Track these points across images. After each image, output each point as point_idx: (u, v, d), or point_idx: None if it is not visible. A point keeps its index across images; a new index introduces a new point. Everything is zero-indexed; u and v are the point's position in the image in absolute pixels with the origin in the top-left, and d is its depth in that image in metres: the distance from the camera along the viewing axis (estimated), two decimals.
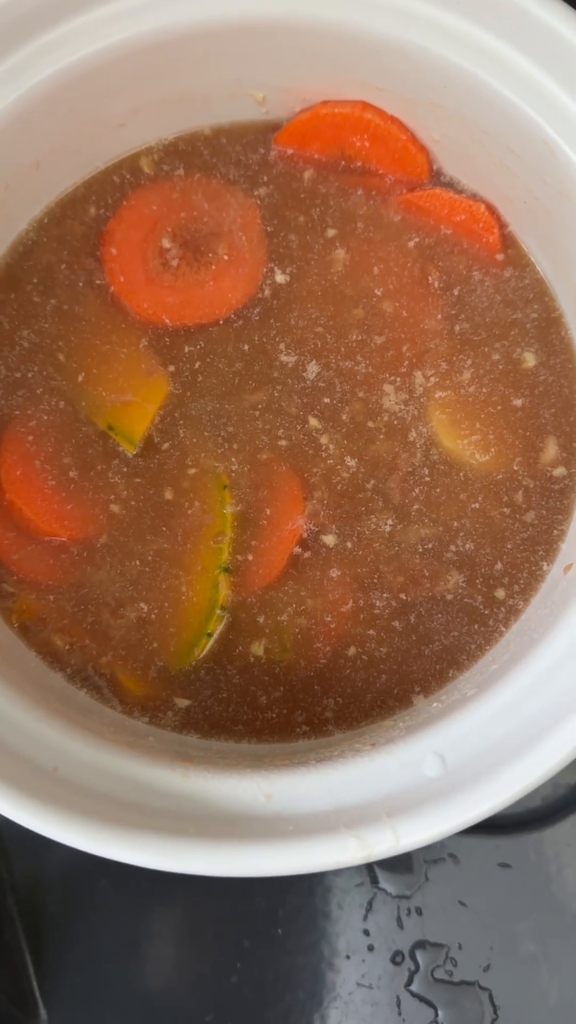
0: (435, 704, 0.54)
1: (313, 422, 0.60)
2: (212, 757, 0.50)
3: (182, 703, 0.56)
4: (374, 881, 0.68)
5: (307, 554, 0.58)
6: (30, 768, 0.45)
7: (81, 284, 0.62)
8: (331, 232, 0.62)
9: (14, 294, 0.62)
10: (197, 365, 0.61)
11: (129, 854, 0.42)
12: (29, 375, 0.60)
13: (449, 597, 0.57)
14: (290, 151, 0.63)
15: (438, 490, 0.59)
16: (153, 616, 0.57)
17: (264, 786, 0.45)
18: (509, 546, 0.58)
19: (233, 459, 0.59)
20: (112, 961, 0.67)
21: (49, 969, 0.67)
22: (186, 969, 0.68)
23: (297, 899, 0.68)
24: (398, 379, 0.60)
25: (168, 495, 0.59)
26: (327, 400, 0.60)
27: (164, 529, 0.58)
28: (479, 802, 0.42)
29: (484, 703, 0.47)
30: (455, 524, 0.58)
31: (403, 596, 0.57)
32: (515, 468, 0.59)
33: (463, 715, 0.47)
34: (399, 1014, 0.66)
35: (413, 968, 0.67)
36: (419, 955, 0.67)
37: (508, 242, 0.62)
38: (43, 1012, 0.67)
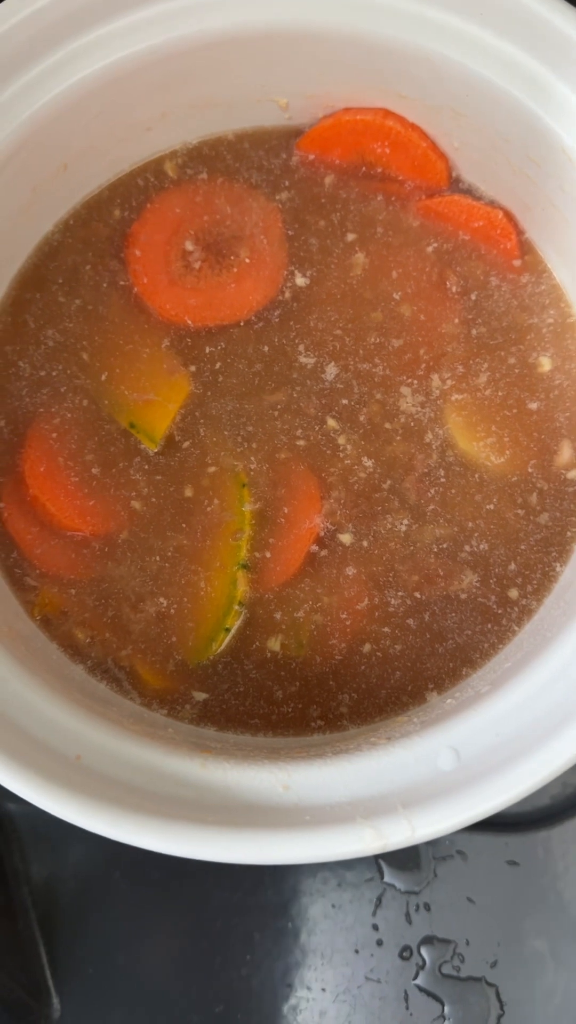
0: (449, 701, 0.54)
1: (331, 423, 0.61)
2: (229, 748, 0.51)
3: (200, 696, 0.57)
4: (383, 877, 0.69)
5: (324, 552, 0.59)
6: (54, 756, 0.46)
7: (105, 285, 0.63)
8: (351, 236, 0.63)
9: (40, 294, 0.63)
10: (218, 365, 0.62)
11: (151, 841, 0.43)
12: (53, 373, 0.62)
13: (463, 596, 0.58)
14: (312, 156, 0.65)
15: (453, 491, 0.60)
16: (172, 611, 0.58)
17: (282, 777, 0.46)
18: (523, 547, 0.59)
19: (252, 458, 0.60)
20: (124, 952, 0.68)
21: (62, 959, 0.68)
22: (196, 961, 0.68)
23: (307, 893, 0.68)
24: (415, 381, 0.61)
25: (188, 492, 0.60)
26: (345, 401, 0.61)
27: (184, 526, 0.59)
28: (493, 795, 0.43)
29: (498, 700, 0.48)
30: (470, 525, 0.59)
31: (418, 595, 0.58)
32: (530, 470, 0.60)
33: (477, 711, 0.48)
34: (407, 1008, 0.67)
35: (421, 963, 0.67)
36: (427, 950, 0.68)
37: (525, 248, 0.63)
38: (56, 1001, 0.67)
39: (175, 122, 0.63)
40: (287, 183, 0.64)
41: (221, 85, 0.62)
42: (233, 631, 0.58)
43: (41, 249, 0.64)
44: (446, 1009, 0.67)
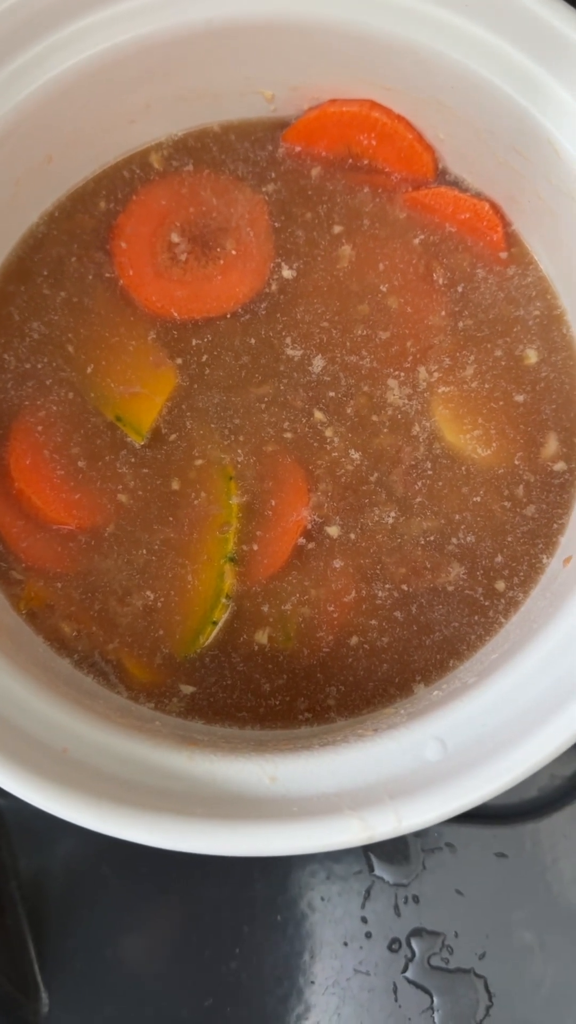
0: (436, 692, 0.55)
1: (318, 415, 0.61)
2: (217, 741, 0.51)
3: (187, 690, 0.57)
4: (372, 869, 0.69)
5: (311, 545, 0.59)
6: (40, 749, 0.46)
7: (91, 277, 0.63)
8: (337, 229, 0.63)
9: (24, 286, 0.62)
10: (204, 358, 0.61)
11: (138, 834, 0.42)
12: (39, 366, 0.61)
13: (450, 588, 0.58)
14: (298, 148, 0.64)
15: (440, 483, 0.60)
16: (159, 604, 0.58)
17: (269, 769, 0.46)
18: (509, 539, 0.59)
19: (239, 451, 0.60)
20: (112, 946, 0.68)
21: (50, 954, 0.68)
22: (185, 955, 0.68)
23: (296, 886, 0.68)
24: (402, 374, 0.61)
25: (175, 485, 0.60)
26: (332, 394, 0.61)
27: (171, 519, 0.59)
28: (479, 785, 0.43)
29: (484, 691, 0.48)
30: (457, 517, 0.59)
31: (405, 587, 0.58)
32: (516, 463, 0.60)
33: (464, 702, 0.48)
34: (395, 1000, 0.67)
35: (410, 955, 0.68)
36: (416, 943, 0.68)
37: (512, 240, 0.63)
38: (44, 996, 0.67)
39: (160, 114, 0.63)
40: (273, 175, 0.64)
41: (206, 77, 0.62)
42: (220, 624, 0.58)
43: (26, 241, 0.63)
44: (435, 1001, 0.67)
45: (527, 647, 0.49)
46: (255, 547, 0.59)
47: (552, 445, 0.60)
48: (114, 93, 0.60)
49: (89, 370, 0.61)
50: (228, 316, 0.62)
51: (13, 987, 0.66)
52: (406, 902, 0.68)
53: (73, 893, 0.69)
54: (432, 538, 0.59)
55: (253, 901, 0.69)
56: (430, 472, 0.60)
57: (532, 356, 0.61)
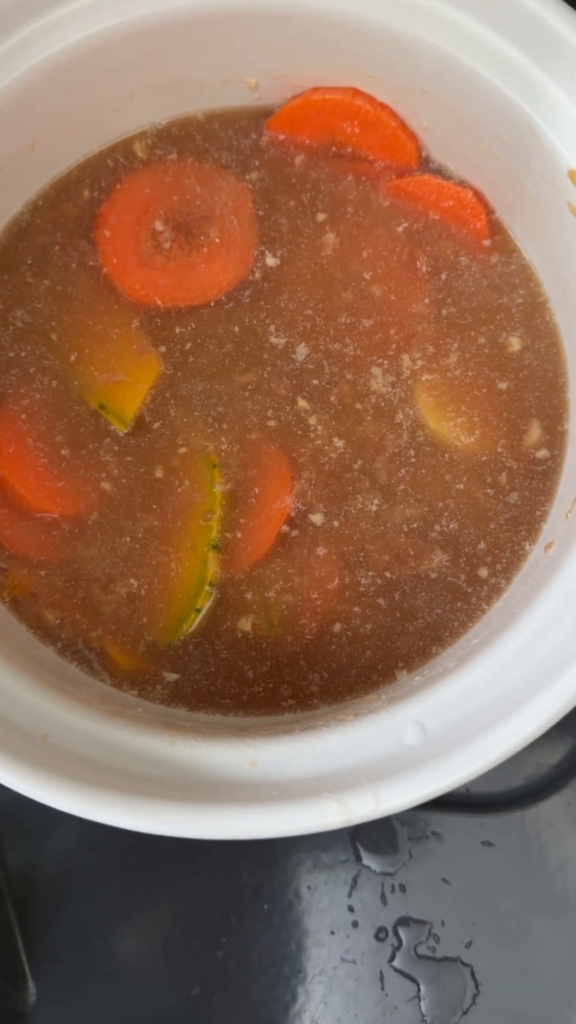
0: (418, 678, 0.55)
1: (302, 403, 0.61)
2: (199, 727, 0.51)
3: (171, 677, 0.57)
4: (359, 858, 0.69)
5: (295, 532, 0.59)
6: (20, 734, 0.46)
7: (74, 265, 0.63)
8: (321, 216, 0.63)
9: (8, 275, 0.62)
10: (188, 346, 0.61)
11: (116, 817, 0.43)
12: (22, 354, 0.61)
13: (433, 576, 0.58)
14: (281, 137, 0.64)
15: (424, 471, 0.60)
16: (143, 592, 0.58)
17: (249, 753, 0.46)
18: (492, 526, 0.59)
19: (223, 439, 0.60)
20: (100, 936, 0.68)
21: (38, 944, 0.68)
22: (172, 944, 0.68)
23: (283, 875, 0.69)
24: (386, 362, 0.61)
25: (159, 473, 0.60)
26: (316, 382, 0.61)
27: (154, 507, 0.59)
28: (458, 768, 0.43)
29: (464, 675, 0.48)
30: (440, 504, 0.59)
31: (388, 574, 0.58)
32: (499, 450, 0.60)
33: (444, 687, 0.48)
34: (382, 989, 0.67)
35: (396, 944, 0.68)
36: (402, 931, 0.68)
37: (495, 228, 0.63)
38: (32, 986, 0.67)
39: (144, 102, 0.63)
40: (257, 163, 0.64)
41: (189, 65, 0.61)
42: (204, 612, 0.58)
43: (9, 230, 0.63)
44: (422, 989, 0.67)
45: (508, 632, 0.50)
46: (239, 535, 0.59)
47: (535, 432, 0.60)
48: (98, 81, 0.60)
49: (73, 358, 0.61)
50: (212, 304, 0.62)
51: (1, 977, 0.66)
52: (393, 891, 0.68)
53: (61, 884, 0.69)
54: (415, 525, 0.59)
55: (240, 891, 0.69)
56: (413, 460, 0.60)
57: (515, 344, 0.61)
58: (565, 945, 0.67)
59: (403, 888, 0.68)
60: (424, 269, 0.62)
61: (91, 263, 0.63)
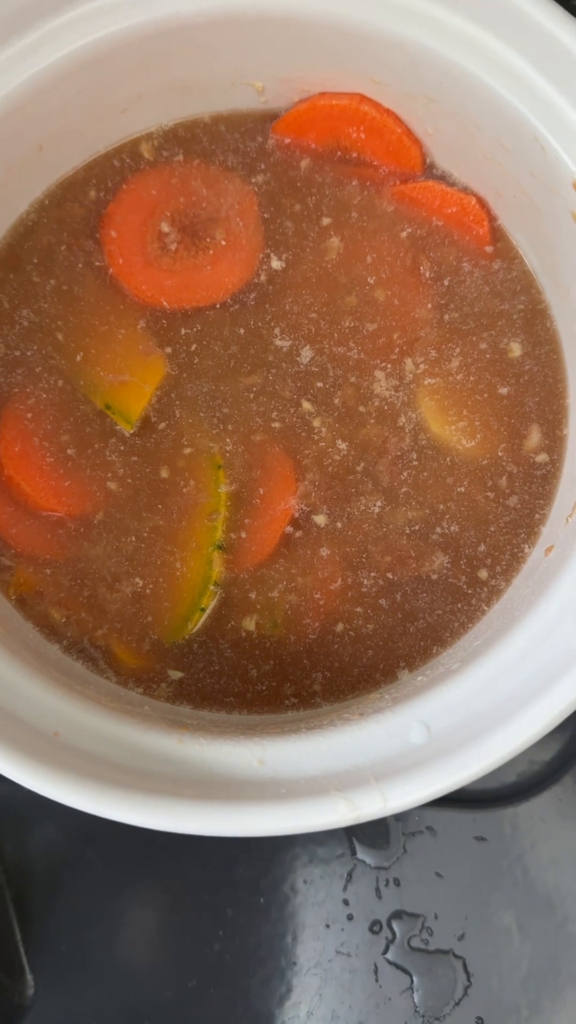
0: (420, 678, 0.56)
1: (306, 405, 0.61)
2: (206, 725, 0.52)
3: (175, 675, 0.58)
4: (354, 853, 0.70)
5: (298, 533, 0.60)
6: (32, 732, 0.47)
7: (80, 265, 0.63)
8: (326, 220, 0.64)
9: (14, 274, 0.63)
10: (194, 347, 0.62)
11: (128, 815, 0.43)
12: (28, 354, 0.61)
13: (434, 577, 0.59)
14: (287, 140, 0.65)
15: (425, 474, 0.61)
16: (148, 591, 0.59)
17: (257, 752, 0.47)
18: (492, 529, 0.60)
19: (228, 440, 0.61)
20: (97, 928, 0.68)
21: (36, 936, 0.68)
22: (169, 937, 0.69)
23: (279, 869, 0.69)
24: (389, 365, 0.62)
25: (164, 474, 0.60)
26: (320, 384, 0.62)
27: (160, 507, 0.60)
28: (463, 767, 0.44)
29: (468, 676, 0.49)
30: (441, 507, 0.60)
31: (390, 575, 0.59)
32: (500, 454, 0.61)
33: (448, 687, 0.49)
34: (376, 981, 0.68)
35: (390, 937, 0.69)
36: (396, 924, 0.69)
37: (497, 235, 0.64)
38: (30, 978, 0.68)
39: (151, 104, 0.63)
40: (263, 166, 0.64)
41: (197, 68, 0.62)
42: (208, 611, 0.59)
43: (16, 229, 0.63)
44: (415, 981, 0.68)
45: (509, 634, 0.51)
46: (243, 535, 0.59)
47: (535, 437, 0.61)
48: (105, 83, 0.60)
49: (79, 358, 0.61)
50: (217, 306, 0.62)
51: None
52: (387, 885, 0.69)
53: (58, 877, 0.69)
54: (417, 527, 0.60)
55: (236, 884, 0.69)
56: (415, 463, 0.61)
57: (516, 349, 0.62)
58: (555, 938, 0.68)
59: (397, 882, 0.69)
60: (427, 274, 0.63)
61: (97, 263, 0.63)
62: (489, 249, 0.64)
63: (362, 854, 0.70)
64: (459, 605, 0.59)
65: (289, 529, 0.60)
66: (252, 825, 0.43)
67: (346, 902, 0.69)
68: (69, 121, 0.61)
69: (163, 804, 0.43)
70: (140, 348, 0.62)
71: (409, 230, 0.64)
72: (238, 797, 0.44)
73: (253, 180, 0.64)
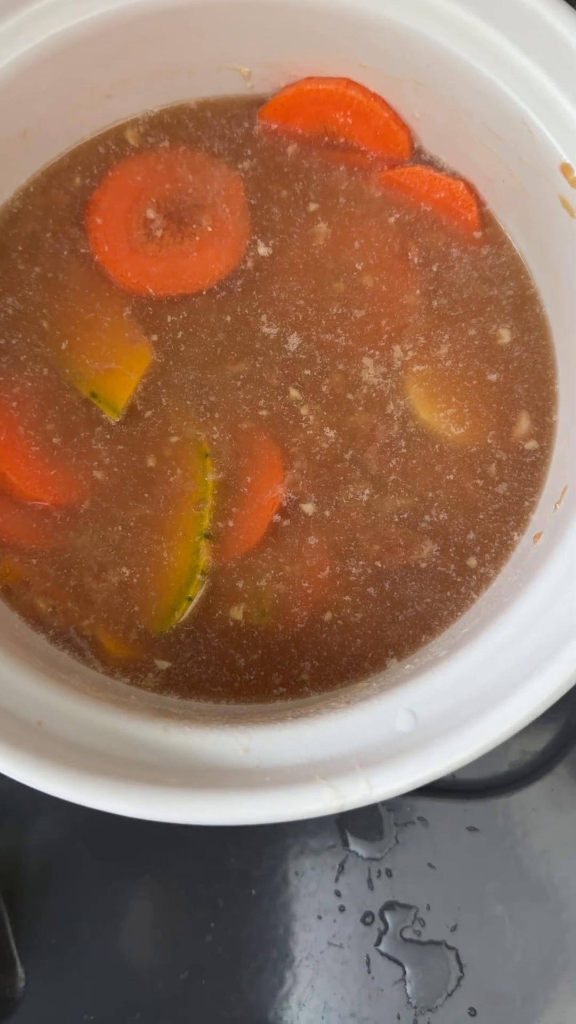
0: (408, 666, 0.55)
1: (294, 393, 0.61)
2: (192, 714, 0.52)
3: (162, 665, 0.58)
4: (345, 844, 0.69)
5: (286, 522, 0.59)
6: (15, 721, 0.46)
7: (66, 253, 0.62)
8: (313, 206, 0.63)
9: None
10: (180, 335, 0.62)
11: (112, 804, 0.43)
12: (13, 342, 0.61)
13: (423, 565, 0.59)
14: (274, 126, 0.64)
15: (414, 461, 0.60)
16: (135, 580, 0.58)
17: (242, 740, 0.47)
18: (481, 516, 0.60)
19: (215, 428, 0.60)
20: (89, 921, 0.68)
21: (27, 930, 0.68)
22: (161, 929, 0.69)
23: (270, 860, 0.69)
24: (377, 352, 0.62)
25: (150, 462, 0.60)
26: (307, 372, 0.61)
27: (146, 496, 0.59)
28: (448, 755, 0.44)
29: (455, 664, 0.49)
30: (430, 495, 0.60)
31: (379, 564, 0.59)
32: (489, 441, 0.61)
33: (435, 675, 0.49)
34: (368, 972, 0.68)
35: (382, 928, 0.68)
36: (388, 915, 0.69)
37: (486, 220, 0.63)
38: (20, 971, 0.68)
39: (136, 89, 0.63)
40: (249, 152, 0.64)
41: (182, 52, 0.61)
42: (196, 600, 0.58)
43: (0, 217, 0.63)
44: (407, 972, 0.68)
45: (497, 622, 0.50)
46: (230, 524, 0.59)
47: (524, 424, 0.61)
48: (89, 67, 0.59)
49: (64, 346, 0.61)
50: (204, 293, 0.62)
51: None
52: (379, 876, 0.69)
53: (49, 870, 0.69)
54: (406, 515, 0.60)
55: (228, 876, 0.69)
56: (404, 450, 0.60)
57: (505, 336, 0.62)
58: (547, 929, 0.68)
59: (389, 873, 0.69)
60: (415, 260, 0.62)
61: (83, 250, 0.63)
62: (478, 234, 0.63)
63: (354, 845, 0.69)
64: (448, 593, 0.58)
65: (277, 518, 0.59)
66: (237, 813, 0.42)
67: (338, 893, 0.69)
68: (53, 107, 0.60)
69: (148, 793, 0.43)
70: (126, 336, 0.61)
71: (397, 216, 0.63)
72: (223, 785, 0.44)
73: (240, 166, 0.64)
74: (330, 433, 0.60)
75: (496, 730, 0.44)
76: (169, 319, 0.62)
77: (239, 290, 0.62)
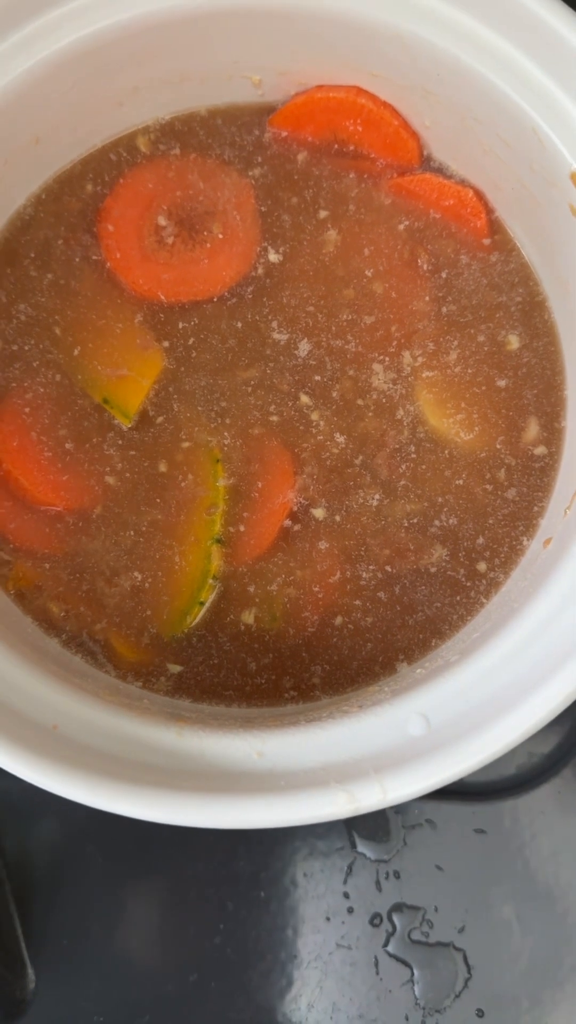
0: (419, 670, 0.56)
1: (304, 399, 0.61)
2: (205, 718, 0.52)
3: (174, 669, 0.58)
4: (354, 846, 0.70)
5: (297, 527, 0.60)
6: (31, 726, 0.47)
7: (78, 259, 0.63)
8: (323, 213, 0.64)
9: (11, 268, 0.63)
10: (191, 341, 0.62)
11: (127, 807, 0.43)
12: (26, 348, 0.61)
13: (433, 570, 0.59)
14: (284, 133, 0.65)
15: (424, 467, 0.61)
16: (147, 585, 0.59)
17: (256, 744, 0.47)
18: (491, 521, 0.60)
19: (226, 433, 0.61)
20: (98, 923, 0.69)
21: (37, 931, 0.68)
22: (170, 931, 0.69)
23: (279, 863, 0.69)
24: (387, 358, 0.62)
25: (162, 468, 0.60)
26: (318, 378, 0.62)
27: (158, 501, 0.60)
28: (462, 759, 0.44)
29: (466, 668, 0.49)
30: (440, 500, 0.60)
31: (389, 568, 0.59)
32: (498, 447, 0.61)
33: (447, 679, 0.49)
34: (376, 974, 0.68)
35: (391, 930, 0.69)
36: (396, 917, 0.69)
37: (495, 227, 0.64)
38: (31, 973, 0.68)
39: (148, 97, 0.63)
40: (260, 159, 0.64)
41: (194, 61, 0.62)
42: (207, 605, 0.59)
43: (13, 223, 0.63)
44: (415, 974, 0.68)
45: (507, 626, 0.51)
46: (242, 528, 0.59)
47: (533, 429, 0.61)
48: (102, 76, 0.60)
49: (76, 352, 0.61)
50: (215, 299, 0.62)
51: (0, 964, 0.66)
52: (387, 878, 0.69)
53: (59, 871, 0.69)
54: (415, 520, 0.60)
55: (236, 878, 0.69)
56: (414, 455, 0.61)
57: (514, 342, 0.62)
58: (555, 930, 0.69)
59: (397, 875, 0.69)
60: (425, 267, 0.63)
61: (94, 257, 0.63)
62: (487, 241, 0.63)
63: (362, 847, 0.70)
64: (458, 597, 0.59)
65: (288, 523, 0.60)
66: (251, 817, 0.43)
67: (346, 895, 0.69)
68: (65, 114, 0.61)
69: (162, 796, 0.43)
70: (137, 342, 0.62)
71: (407, 223, 0.64)
72: (237, 789, 0.44)
73: (250, 173, 0.64)
74: (340, 438, 0.61)
75: (510, 735, 0.44)
76: (180, 325, 0.62)
77: (250, 297, 0.63)
